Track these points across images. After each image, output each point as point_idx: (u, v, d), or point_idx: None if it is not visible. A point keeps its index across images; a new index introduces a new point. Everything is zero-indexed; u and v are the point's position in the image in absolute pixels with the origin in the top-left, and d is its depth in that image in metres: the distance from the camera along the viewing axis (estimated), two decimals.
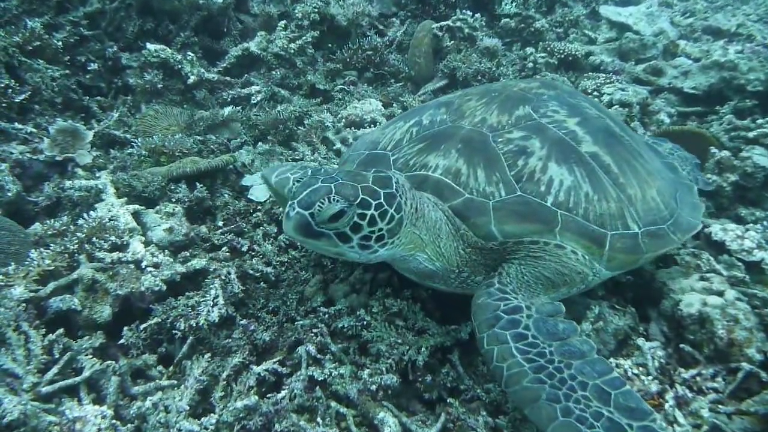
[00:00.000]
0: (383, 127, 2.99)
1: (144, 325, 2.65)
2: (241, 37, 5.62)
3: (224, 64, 5.22)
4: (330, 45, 5.49)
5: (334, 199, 1.97)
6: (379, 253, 2.13)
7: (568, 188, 2.31)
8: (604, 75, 4.87)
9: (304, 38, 5.21)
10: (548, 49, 5.34)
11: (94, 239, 2.97)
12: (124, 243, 3.03)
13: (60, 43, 4.28)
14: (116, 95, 4.65)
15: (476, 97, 2.73)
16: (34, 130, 3.65)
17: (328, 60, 5.48)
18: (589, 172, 2.39)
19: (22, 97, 3.78)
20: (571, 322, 2.13)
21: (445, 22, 5.67)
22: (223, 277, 2.87)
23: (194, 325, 2.65)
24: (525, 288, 2.26)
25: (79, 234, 2.97)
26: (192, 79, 4.67)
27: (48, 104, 4.01)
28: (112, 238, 3.00)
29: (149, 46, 4.69)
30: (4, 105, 3.71)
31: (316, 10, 5.36)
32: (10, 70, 3.90)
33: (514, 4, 5.83)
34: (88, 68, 4.52)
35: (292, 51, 5.21)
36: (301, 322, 2.68)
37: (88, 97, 4.40)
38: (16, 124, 3.65)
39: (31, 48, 4.08)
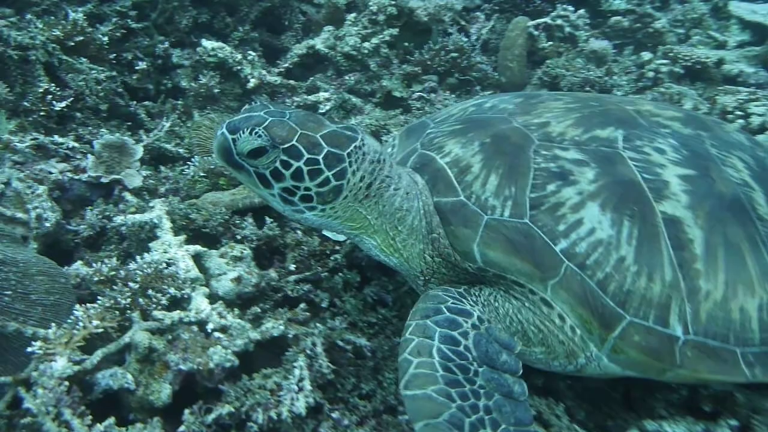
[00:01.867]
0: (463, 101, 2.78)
1: (212, 416, 2.22)
2: (303, 32, 5.18)
3: (286, 64, 4.79)
4: (406, 43, 4.99)
5: (256, 133, 1.83)
6: (306, 215, 1.99)
7: (596, 241, 1.90)
8: (746, 89, 4.23)
9: (380, 36, 4.72)
10: (670, 54, 4.72)
11: (149, 291, 2.56)
12: (185, 296, 2.61)
13: (105, 38, 3.89)
14: (165, 99, 4.25)
15: (568, 100, 2.38)
16: (76, 144, 3.27)
17: (405, 61, 4.98)
18: (646, 235, 1.92)
19: (63, 104, 3.40)
20: (519, 373, 1.82)
21: (542, 20, 5.12)
22: (308, 351, 2.41)
23: (275, 417, 2.20)
24: (491, 311, 1.99)
25: (131, 284, 2.56)
26: (252, 82, 4.25)
27: (92, 112, 3.64)
28: (171, 290, 2.59)
29: (205, 43, 4.28)
30: (42, 114, 3.33)
31: (393, 2, 4.87)
32: (49, 71, 3.53)
33: None
34: (136, 67, 4.13)
35: (366, 51, 4.73)
36: (404, 417, 2.21)
37: (135, 102, 4.01)
38: (56, 137, 3.27)
39: (72, 44, 3.70)
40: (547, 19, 5.07)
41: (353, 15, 5.08)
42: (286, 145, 1.85)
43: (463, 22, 5.47)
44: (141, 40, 4.25)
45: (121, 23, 4.13)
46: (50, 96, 3.38)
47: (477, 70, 4.87)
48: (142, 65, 4.10)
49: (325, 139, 1.90)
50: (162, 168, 3.69)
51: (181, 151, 3.84)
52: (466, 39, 4.96)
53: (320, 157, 1.87)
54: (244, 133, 1.84)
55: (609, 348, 1.88)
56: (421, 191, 2.07)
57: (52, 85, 3.44)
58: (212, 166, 3.44)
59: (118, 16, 4.17)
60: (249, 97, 4.39)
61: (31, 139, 3.13)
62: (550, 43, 5.04)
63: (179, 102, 4.29)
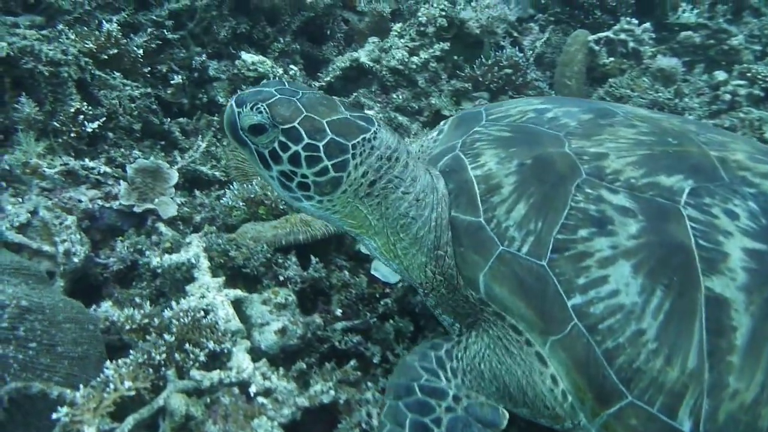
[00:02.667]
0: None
1: None
2: (345, 42, 4.95)
3: (327, 78, 4.55)
4: (456, 57, 4.72)
5: (257, 109, 1.75)
6: (304, 204, 1.90)
7: (617, 306, 1.68)
8: None
9: (430, 51, 4.46)
10: (748, 74, 4.37)
11: (186, 345, 2.34)
12: (225, 351, 2.39)
13: (140, 51, 3.70)
14: (201, 115, 4.05)
15: (643, 129, 2.04)
16: (107, 169, 3.07)
17: (454, 76, 4.71)
18: (678, 312, 1.66)
19: (96, 125, 3.21)
20: None
21: (603, 34, 4.80)
22: (363, 425, 2.17)
23: None
24: (475, 376, 1.92)
25: (167, 336, 2.35)
26: None
27: (125, 132, 3.44)
28: (210, 344, 2.37)
29: (245, 56, 4.07)
30: (72, 135, 3.15)
31: (443, 13, 4.60)
32: (81, 88, 3.34)
33: (695, 11, 4.87)
34: (171, 81, 3.94)
35: (414, 66, 4.47)
36: None
37: (169, 120, 3.81)
38: (87, 161, 3.08)
39: (106, 57, 3.52)
40: (609, 33, 4.76)
41: (399, 25, 4.83)
42: (285, 126, 1.75)
43: (515, 34, 5.19)
44: (177, 51, 4.05)
45: (156, 33, 3.94)
46: (82, 116, 3.18)
47: (532, 87, 4.58)
48: (177, 79, 3.90)
49: (331, 126, 1.78)
50: (197, 193, 3.49)
51: (217, 174, 3.63)
52: (521, 54, 4.67)
53: (321, 144, 1.76)
54: (246, 107, 1.77)
55: (600, 424, 1.71)
56: (439, 201, 1.93)
57: (84, 104, 3.24)
58: (252, 195, 3.22)
59: (154, 26, 3.98)
60: None
61: (61, 165, 2.94)
62: (612, 59, 4.74)
63: (215, 118, 4.08)
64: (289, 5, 4.40)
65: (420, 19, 4.61)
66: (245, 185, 3.30)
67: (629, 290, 1.68)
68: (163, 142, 3.76)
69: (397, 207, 1.91)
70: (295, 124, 1.75)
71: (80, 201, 2.96)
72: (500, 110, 2.27)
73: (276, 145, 1.78)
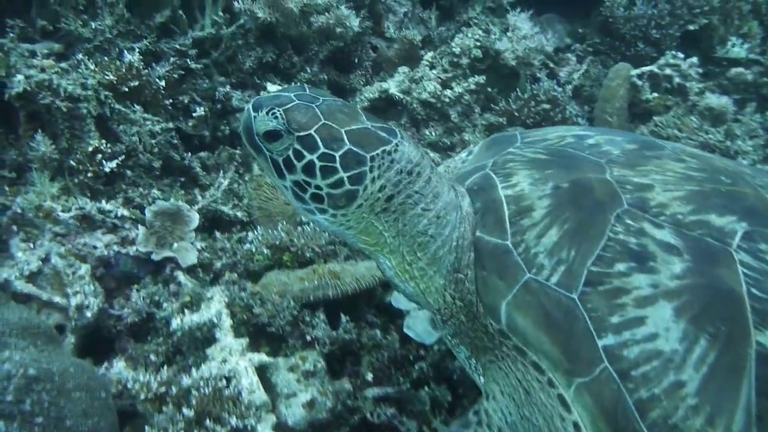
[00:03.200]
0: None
1: None
2: (373, 69, 4.78)
3: None
4: (490, 89, 4.53)
5: (273, 114, 1.67)
6: (317, 218, 1.79)
7: (654, 351, 1.51)
8: None
9: (464, 85, 4.28)
10: None
11: (207, 421, 2.15)
12: (249, 428, 2.19)
13: (162, 82, 3.55)
14: (222, 148, 3.89)
15: (693, 165, 1.90)
16: (125, 212, 2.90)
17: (487, 109, 4.53)
18: (725, 366, 1.49)
19: (114, 164, 3.05)
20: None
21: (647, 68, 4.60)
22: None
23: None
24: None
25: (185, 410, 2.16)
26: None
27: (144, 170, 3.28)
28: (233, 420, 2.18)
29: (270, 87, 3.92)
30: (89, 175, 2.99)
31: (478, 43, 4.43)
32: (100, 123, 3.20)
33: (745, 46, 4.65)
34: (193, 114, 3.79)
35: (447, 100, 4.29)
36: None
37: (189, 154, 3.65)
38: (104, 203, 2.92)
39: (126, 89, 3.37)
40: (653, 68, 4.55)
41: (430, 54, 4.67)
42: (301, 133, 1.66)
43: (551, 64, 5.00)
44: (200, 82, 3.90)
45: (179, 63, 3.80)
46: (100, 155, 3.03)
47: (572, 124, 4.37)
48: (200, 111, 3.75)
49: (350, 136, 1.68)
50: (218, 235, 3.32)
51: (239, 214, 3.47)
52: (559, 88, 4.47)
53: (337, 154, 1.66)
54: (262, 111, 1.69)
55: None
56: (463, 220, 1.82)
57: (103, 141, 3.09)
58: (276, 242, 3.04)
59: (177, 54, 3.84)
60: None
61: (77, 209, 2.78)
62: (656, 95, 4.52)
63: (237, 151, 3.92)
64: (318, 34, 4.24)
65: (453, 49, 4.44)
66: (269, 231, 3.13)
67: (669, 336, 1.51)
68: (183, 179, 3.60)
69: (416, 224, 1.80)
70: (312, 131, 1.66)
71: (95, 247, 2.80)
72: (537, 134, 2.16)
73: (290, 152, 1.69)
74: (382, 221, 1.80)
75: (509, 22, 4.69)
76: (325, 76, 4.36)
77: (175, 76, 3.78)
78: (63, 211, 2.80)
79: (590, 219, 1.69)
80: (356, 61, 4.67)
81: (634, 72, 4.52)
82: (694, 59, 4.56)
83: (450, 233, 1.80)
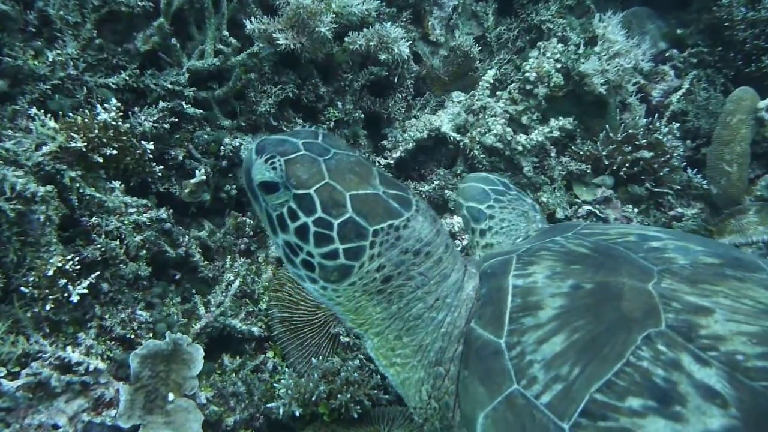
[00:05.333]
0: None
1: None
2: (415, 90, 3.90)
3: (398, 153, 3.56)
4: (571, 121, 3.66)
5: (271, 164, 1.55)
6: (307, 285, 1.67)
7: None
8: None
9: (545, 130, 3.44)
10: None
11: None
12: None
13: (150, 145, 2.74)
14: (229, 213, 3.12)
15: None
16: (100, 365, 2.18)
17: (564, 149, 3.68)
18: None
19: (83, 286, 2.31)
20: None
21: None
22: None
23: None
24: None
25: None
26: None
27: (125, 285, 2.53)
28: None
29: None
30: (49, 308, 2.25)
31: (558, 65, 3.53)
32: (65, 221, 2.43)
33: None
34: (189, 171, 3.00)
35: (521, 148, 3.43)
36: None
37: (186, 237, 2.88)
38: (70, 352, 2.19)
39: (100, 159, 2.57)
40: None
41: (491, 73, 3.77)
42: (299, 192, 1.57)
43: (641, 80, 4.07)
44: (200, 133, 3.07)
45: (172, 107, 2.97)
46: (65, 279, 2.26)
47: (672, 180, 3.53)
48: (199, 175, 2.94)
49: (354, 202, 1.58)
50: (227, 361, 2.61)
51: (254, 329, 2.74)
52: (665, 127, 3.59)
53: (336, 222, 1.56)
54: (260, 158, 1.59)
55: None
56: (460, 305, 1.70)
57: (68, 258, 2.31)
58: (313, 397, 2.32)
59: (168, 94, 3.00)
60: None
61: (28, 375, 2.05)
62: None
63: (247, 219, 3.14)
64: (354, 58, 3.35)
65: (528, 75, 3.54)
66: (299, 380, 2.39)
67: None
68: (178, 275, 2.85)
69: (410, 308, 1.68)
70: (311, 191, 1.57)
71: (56, 427, 2.08)
72: (599, 228, 1.95)
73: (285, 210, 1.59)
74: (374, 302, 1.68)
75: (596, 30, 3.76)
76: (361, 114, 3.49)
77: (166, 125, 2.95)
78: (8, 376, 2.07)
79: (608, 334, 1.45)
80: (395, 79, 3.77)
81: (763, 104, 3.61)
82: None
83: (443, 318, 1.68)
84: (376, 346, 1.75)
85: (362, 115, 3.50)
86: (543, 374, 1.44)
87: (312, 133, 1.68)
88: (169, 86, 3.00)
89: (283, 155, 1.56)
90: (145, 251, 2.58)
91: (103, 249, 2.45)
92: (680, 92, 4.04)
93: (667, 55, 4.33)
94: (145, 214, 2.61)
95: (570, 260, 1.66)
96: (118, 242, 2.47)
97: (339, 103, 3.42)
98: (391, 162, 3.57)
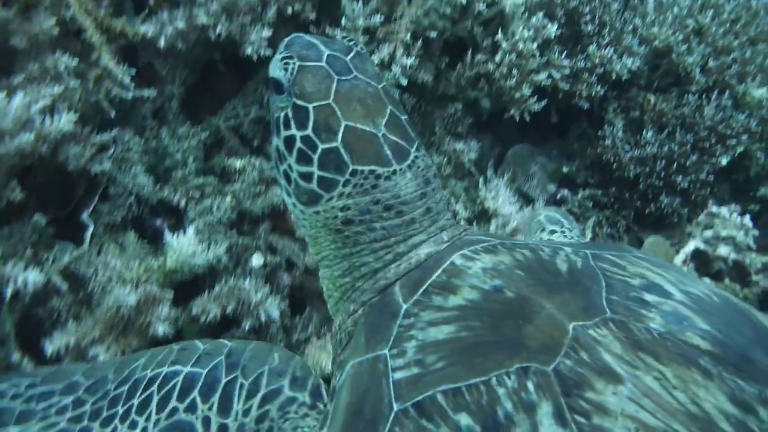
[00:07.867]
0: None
1: None
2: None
3: None
4: None
5: (286, 63, 1.64)
6: (284, 196, 1.79)
7: None
8: None
9: None
10: None
11: None
12: None
13: None
14: None
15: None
16: None
17: None
18: None
19: None
20: None
21: (691, 246, 3.45)
22: None
23: None
24: None
25: None
26: None
27: None
28: None
29: None
30: None
31: None
32: None
33: None
34: None
35: None
36: None
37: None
38: None
39: None
40: (698, 244, 3.37)
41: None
42: (298, 102, 1.62)
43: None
44: None
45: None
46: None
47: None
48: None
49: (347, 133, 1.60)
50: None
51: None
52: None
53: (321, 146, 1.60)
54: (279, 53, 1.68)
55: None
56: (401, 264, 1.70)
57: None
58: None
59: None
60: None
61: None
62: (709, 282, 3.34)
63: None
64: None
65: None
66: None
67: None
68: None
69: (361, 256, 1.73)
70: (310, 105, 1.61)
71: None
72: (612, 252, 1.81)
73: (282, 116, 1.66)
74: (330, 238, 1.75)
75: (486, 203, 3.32)
76: None
77: None
78: None
79: (491, 347, 1.38)
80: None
81: (679, 256, 3.32)
82: (746, 219, 3.45)
83: (381, 267, 1.73)
84: (324, 275, 1.84)
85: None
86: (412, 353, 1.44)
87: (346, 48, 1.70)
88: None
89: (301, 59, 1.62)
90: None
91: None
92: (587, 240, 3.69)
93: (558, 198, 4.02)
94: None
95: (526, 267, 1.59)
96: None
97: None
98: None
